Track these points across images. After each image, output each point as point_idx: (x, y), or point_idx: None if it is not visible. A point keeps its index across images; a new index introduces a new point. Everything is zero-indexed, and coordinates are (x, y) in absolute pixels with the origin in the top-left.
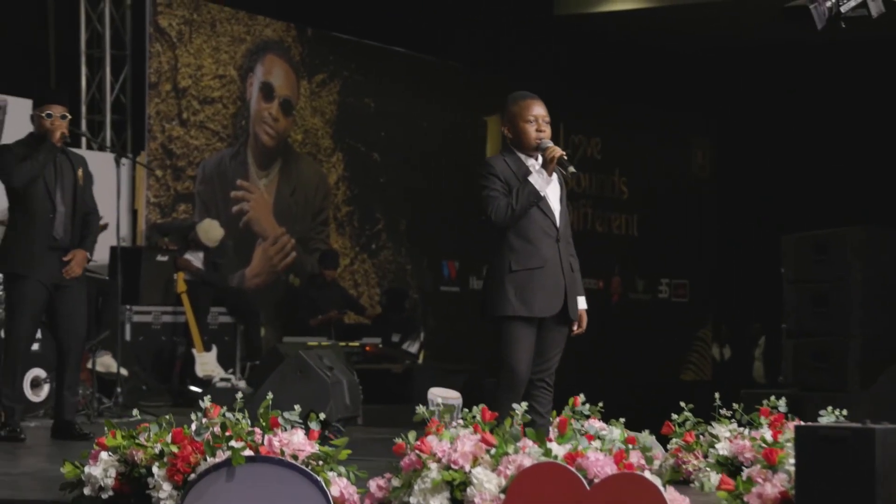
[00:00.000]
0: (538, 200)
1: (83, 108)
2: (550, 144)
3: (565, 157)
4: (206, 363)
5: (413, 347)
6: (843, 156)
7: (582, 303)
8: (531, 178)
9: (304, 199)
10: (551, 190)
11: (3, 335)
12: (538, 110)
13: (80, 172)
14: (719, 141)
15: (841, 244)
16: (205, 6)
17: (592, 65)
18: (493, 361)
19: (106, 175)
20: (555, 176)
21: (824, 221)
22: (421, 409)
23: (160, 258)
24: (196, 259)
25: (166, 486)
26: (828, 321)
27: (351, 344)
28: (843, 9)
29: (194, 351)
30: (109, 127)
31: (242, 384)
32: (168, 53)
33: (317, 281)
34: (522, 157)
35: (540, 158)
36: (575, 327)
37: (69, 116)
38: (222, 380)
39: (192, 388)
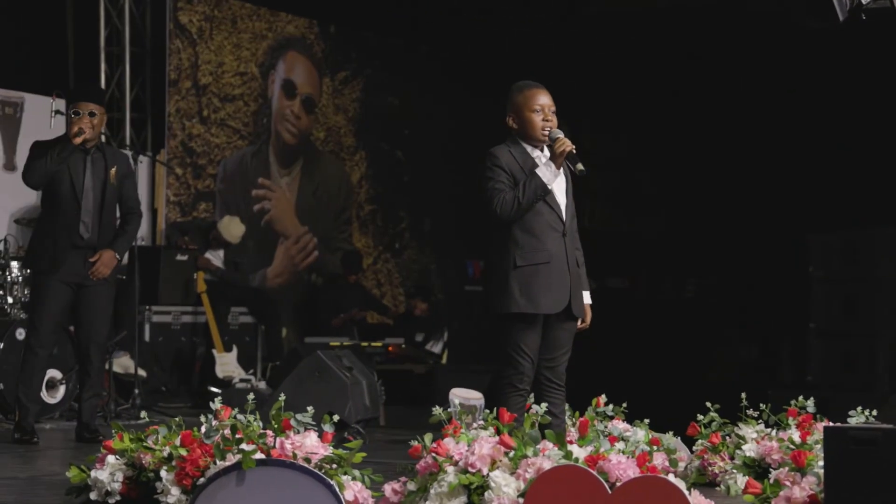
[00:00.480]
0: (545, 194)
1: None
2: (560, 135)
3: (575, 152)
4: (227, 364)
5: (436, 347)
6: (873, 154)
7: (587, 297)
8: (538, 171)
9: (326, 197)
10: (557, 183)
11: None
12: (544, 99)
13: (112, 171)
14: (745, 137)
15: (870, 244)
16: (226, 2)
17: (618, 62)
18: (499, 359)
19: None
20: (561, 168)
21: (853, 221)
22: (437, 410)
23: (180, 257)
24: (216, 258)
25: (175, 491)
26: (857, 321)
27: (374, 344)
28: (864, 0)
29: (214, 351)
30: (129, 125)
31: (263, 385)
32: (188, 50)
33: (339, 281)
34: (528, 148)
35: (546, 150)
36: (579, 323)
37: (98, 114)
38: (242, 381)
39: (212, 389)
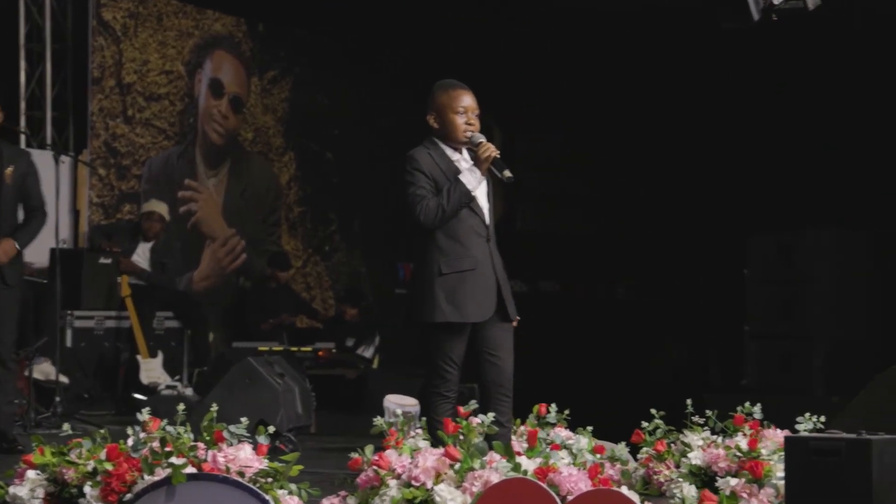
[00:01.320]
0: (470, 201)
1: (22, 104)
2: (483, 140)
3: (500, 157)
4: (152, 370)
5: (368, 352)
6: (808, 156)
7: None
8: (462, 178)
9: (254, 199)
10: (479, 187)
11: None
12: (468, 101)
13: (8, 171)
14: (679, 139)
15: (805, 245)
16: None
17: (549, 64)
18: (425, 367)
19: (45, 174)
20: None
21: (789, 223)
22: (379, 420)
23: (103, 261)
24: (143, 260)
25: None
26: (792, 323)
27: (303, 349)
28: (775, 1)
29: (139, 357)
30: (50, 124)
31: (189, 392)
32: (112, 48)
33: (268, 284)
34: (448, 150)
35: (465, 152)
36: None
37: None
38: (168, 387)
39: (137, 395)
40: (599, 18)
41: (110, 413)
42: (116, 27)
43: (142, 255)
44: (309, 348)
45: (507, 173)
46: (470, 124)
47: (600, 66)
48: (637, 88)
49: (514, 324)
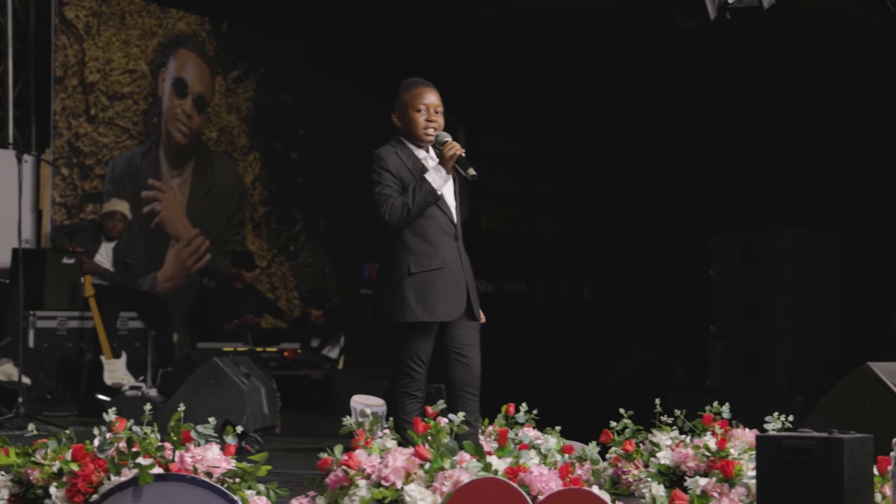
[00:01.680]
0: (436, 200)
1: None
2: (448, 139)
3: (464, 156)
4: (115, 370)
5: (333, 353)
6: (772, 156)
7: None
8: (428, 176)
9: (219, 199)
10: (446, 186)
11: None
12: (430, 99)
13: None
14: (644, 139)
15: (769, 246)
16: None
17: (514, 64)
18: (394, 367)
19: (8, 173)
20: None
21: (753, 223)
22: (348, 420)
23: (66, 261)
24: (105, 260)
25: None
26: (757, 323)
27: (268, 349)
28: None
29: (102, 358)
30: (12, 123)
31: (154, 392)
32: (75, 46)
33: (232, 284)
34: (413, 148)
35: (432, 150)
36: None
37: None
38: (132, 388)
39: (101, 396)
40: (563, 18)
41: (73, 414)
42: (79, 26)
43: (105, 255)
44: (274, 349)
45: (472, 171)
46: (431, 121)
47: (565, 66)
48: (601, 89)
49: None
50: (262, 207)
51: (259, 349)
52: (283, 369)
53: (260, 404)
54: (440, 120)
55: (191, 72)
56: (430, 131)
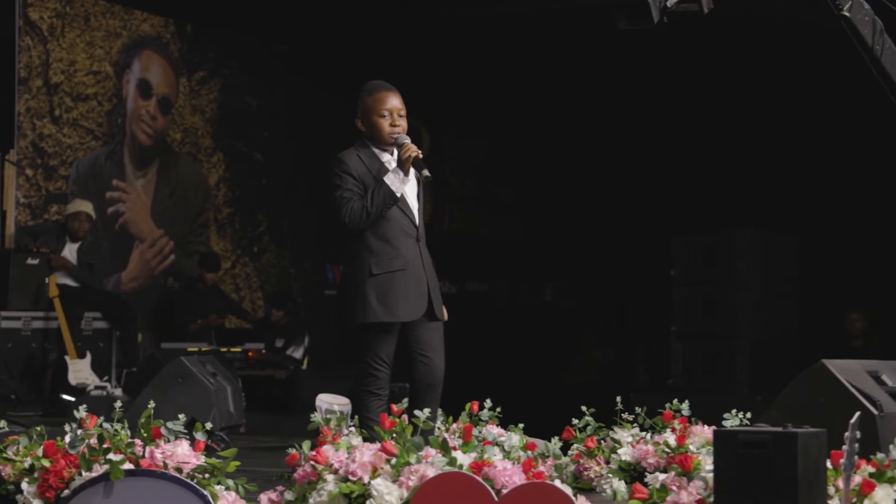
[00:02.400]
0: (395, 202)
1: None
2: (406, 141)
3: (421, 157)
4: (80, 371)
5: (297, 353)
6: (733, 159)
7: (444, 312)
8: (387, 179)
9: (183, 200)
10: (409, 187)
11: None
12: (393, 103)
13: None
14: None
15: (730, 247)
16: None
17: (476, 66)
18: (357, 366)
19: None
20: (412, 172)
21: (714, 225)
22: (316, 417)
23: (31, 261)
24: (70, 260)
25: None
26: (717, 324)
27: (233, 349)
28: (668, 3)
29: (67, 358)
30: None
31: (119, 392)
32: (39, 48)
33: (196, 285)
34: (377, 151)
35: (396, 154)
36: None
37: None
38: (97, 388)
39: (65, 396)
40: (526, 20)
41: (38, 414)
42: (43, 27)
43: (69, 256)
44: (238, 349)
45: (426, 172)
46: (394, 126)
47: (528, 68)
48: (564, 92)
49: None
50: (226, 208)
51: (223, 349)
52: (248, 369)
53: (226, 403)
54: (403, 123)
55: (155, 73)
56: (395, 136)
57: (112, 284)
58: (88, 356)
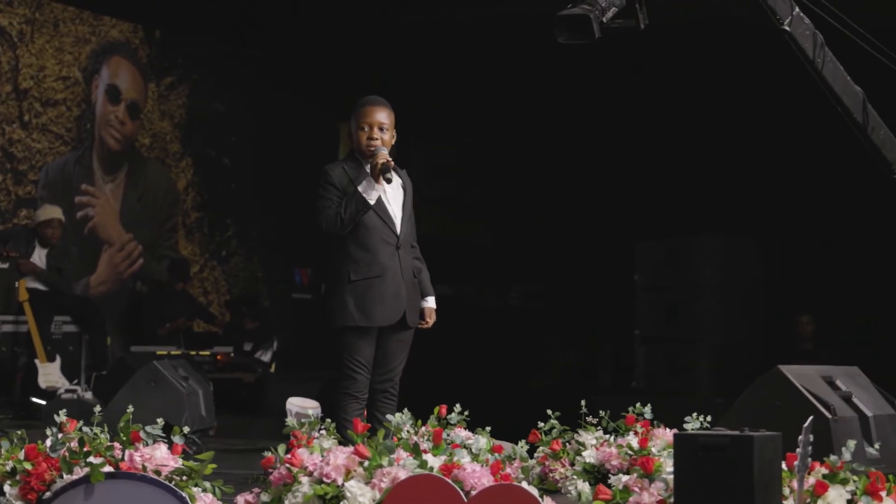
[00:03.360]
0: (366, 209)
1: None
2: (382, 151)
3: (388, 164)
4: (50, 374)
5: (266, 356)
6: (696, 165)
7: (431, 302)
8: (360, 187)
9: (151, 204)
10: (394, 197)
11: None
12: (374, 117)
13: None
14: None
15: (692, 252)
16: (47, 5)
17: (445, 71)
18: (336, 370)
19: None
20: (397, 182)
21: (677, 230)
22: (291, 421)
23: (0, 266)
24: (40, 265)
25: None
26: (679, 327)
27: (202, 353)
28: (604, 19)
29: (37, 361)
30: None
31: (89, 395)
32: (8, 53)
33: (165, 289)
34: (364, 162)
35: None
36: (422, 322)
37: None
38: (68, 391)
39: (35, 399)
40: (491, 24)
41: (8, 417)
42: (13, 33)
43: (38, 261)
44: (207, 352)
45: (387, 176)
46: (371, 139)
47: (495, 73)
48: (530, 97)
49: (424, 324)
50: (194, 213)
51: (192, 353)
52: (217, 373)
53: (198, 406)
54: (384, 136)
55: (124, 78)
56: (372, 147)
57: (81, 288)
58: (58, 360)
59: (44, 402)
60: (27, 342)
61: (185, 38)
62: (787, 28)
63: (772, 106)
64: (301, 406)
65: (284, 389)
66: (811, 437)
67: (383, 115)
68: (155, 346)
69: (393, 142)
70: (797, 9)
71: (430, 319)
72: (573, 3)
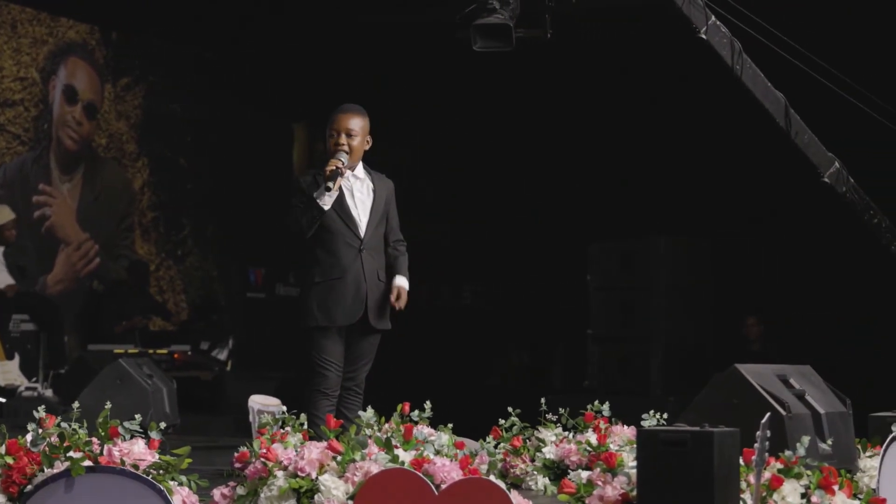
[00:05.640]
0: (320, 214)
1: None
2: (337, 157)
3: (338, 170)
4: (9, 372)
5: (222, 354)
6: (650, 168)
7: (398, 280)
8: (316, 193)
9: (108, 204)
10: (360, 200)
11: None
12: (342, 123)
13: None
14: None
15: (645, 253)
16: (5, 6)
17: (396, 72)
18: (306, 368)
19: None
20: (367, 185)
21: (629, 231)
22: (268, 417)
23: None
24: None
25: (1, 499)
26: (632, 328)
27: (159, 351)
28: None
29: None
30: None
31: (49, 393)
32: None
33: (122, 288)
34: None
35: (358, 169)
36: (394, 300)
37: None
38: (28, 389)
39: None
40: (444, 27)
41: None
42: None
43: None
44: (164, 351)
45: (329, 184)
46: (337, 144)
47: (446, 73)
48: (481, 97)
49: (396, 302)
50: (150, 212)
51: (150, 351)
52: (174, 371)
53: (163, 403)
54: (351, 142)
55: (81, 79)
56: (336, 153)
57: (38, 287)
58: (17, 357)
59: (3, 400)
60: None
61: (141, 39)
62: (703, 36)
63: (721, 110)
64: (263, 403)
65: (241, 387)
66: (768, 434)
67: (352, 122)
68: (112, 343)
69: (367, 147)
70: (713, 17)
71: (400, 297)
72: (481, 10)
